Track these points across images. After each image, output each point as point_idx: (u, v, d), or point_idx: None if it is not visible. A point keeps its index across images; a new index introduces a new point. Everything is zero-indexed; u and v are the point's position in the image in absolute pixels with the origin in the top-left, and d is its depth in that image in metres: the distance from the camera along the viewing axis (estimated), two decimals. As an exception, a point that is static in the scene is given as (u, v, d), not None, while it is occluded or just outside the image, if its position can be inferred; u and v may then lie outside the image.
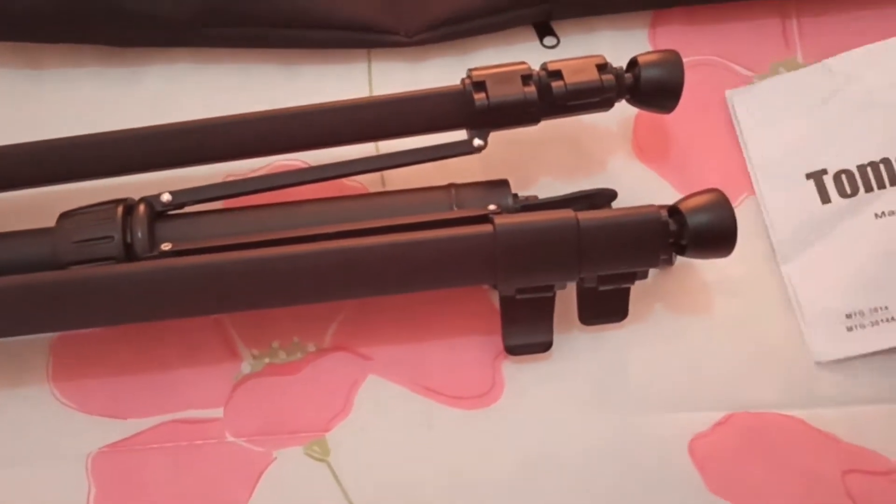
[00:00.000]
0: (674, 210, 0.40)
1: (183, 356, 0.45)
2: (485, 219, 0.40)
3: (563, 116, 0.44)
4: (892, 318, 0.44)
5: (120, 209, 0.41)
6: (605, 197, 0.45)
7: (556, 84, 0.42)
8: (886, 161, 0.47)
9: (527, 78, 0.42)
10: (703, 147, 0.49)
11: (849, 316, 0.45)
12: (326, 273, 0.39)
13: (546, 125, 0.50)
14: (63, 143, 0.43)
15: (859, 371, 0.44)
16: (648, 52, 0.44)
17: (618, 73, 0.43)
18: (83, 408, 0.44)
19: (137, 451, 0.43)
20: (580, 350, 0.45)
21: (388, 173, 0.49)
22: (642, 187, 0.48)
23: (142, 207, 0.42)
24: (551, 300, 0.42)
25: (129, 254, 0.41)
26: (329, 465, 0.42)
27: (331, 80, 0.52)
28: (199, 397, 0.44)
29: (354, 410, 0.43)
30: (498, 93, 0.42)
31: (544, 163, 0.50)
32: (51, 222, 0.42)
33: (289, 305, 0.41)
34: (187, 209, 0.43)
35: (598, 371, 0.44)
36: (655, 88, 0.43)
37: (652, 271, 0.46)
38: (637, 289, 0.46)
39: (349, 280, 0.39)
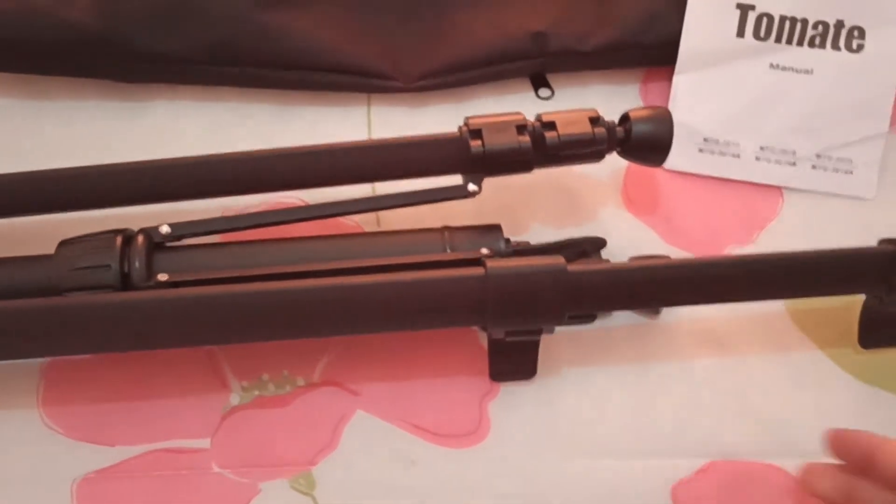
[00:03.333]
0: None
1: (173, 385, 0.45)
2: (477, 262, 0.41)
3: (556, 166, 0.45)
4: (737, 155, 0.50)
5: (119, 239, 0.42)
6: (594, 244, 0.46)
7: (549, 134, 0.44)
8: (804, 21, 0.50)
9: (521, 128, 0.44)
10: (690, 200, 0.51)
11: (706, 140, 0.51)
12: (320, 309, 0.40)
13: (539, 173, 0.51)
14: (65, 174, 0.44)
15: (842, 424, 0.45)
16: (640, 108, 0.46)
17: (609, 127, 0.45)
18: (70, 433, 0.44)
19: (123, 479, 0.43)
20: (567, 392, 0.46)
21: (383, 214, 0.50)
22: (630, 237, 0.50)
23: (140, 238, 0.43)
24: (537, 342, 0.43)
25: (125, 283, 0.41)
26: (314, 499, 0.43)
27: (330, 121, 0.53)
28: (187, 427, 0.44)
29: (341, 445, 0.44)
30: (493, 141, 0.43)
31: (536, 209, 0.51)
32: (51, 251, 0.42)
33: (281, 339, 0.42)
34: (185, 242, 0.44)
35: (585, 414, 0.45)
36: (645, 143, 0.45)
37: (639, 320, 0.48)
38: (627, 335, 0.47)
39: (342, 316, 0.40)
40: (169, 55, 0.51)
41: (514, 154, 0.43)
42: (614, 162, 0.49)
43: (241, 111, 0.53)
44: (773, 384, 0.46)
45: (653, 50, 0.52)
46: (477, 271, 0.40)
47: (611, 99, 0.53)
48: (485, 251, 0.43)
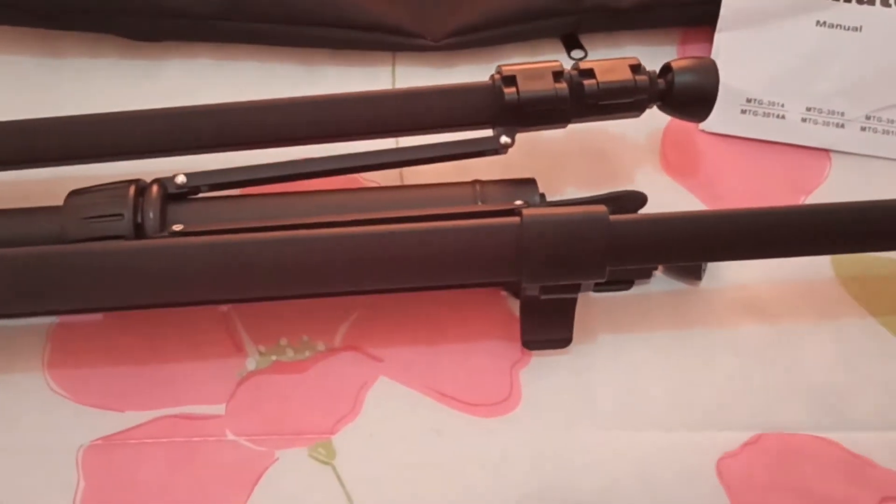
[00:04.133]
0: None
1: (186, 350, 0.42)
2: (512, 213, 0.38)
3: (594, 119, 0.43)
4: (782, 116, 0.48)
5: (132, 189, 0.40)
6: (634, 200, 0.43)
7: (588, 82, 0.41)
8: None
9: (558, 74, 0.41)
10: (732, 163, 0.48)
11: (749, 101, 0.48)
12: (343, 260, 0.37)
13: (573, 136, 0.49)
14: (78, 121, 0.42)
15: None
16: (683, 58, 0.43)
17: (651, 76, 0.42)
18: (78, 398, 0.41)
19: (132, 446, 0.40)
20: (603, 361, 0.43)
21: (406, 173, 0.47)
22: (669, 200, 0.47)
23: (155, 188, 0.40)
24: (574, 301, 0.40)
25: (139, 233, 0.39)
26: (334, 469, 0.40)
27: (354, 81, 0.51)
28: (201, 393, 0.41)
29: (363, 413, 0.41)
30: (529, 87, 0.41)
31: (570, 173, 0.48)
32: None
33: (302, 294, 0.39)
34: (202, 195, 0.42)
35: (622, 384, 0.42)
36: (689, 95, 0.42)
37: (678, 286, 0.45)
38: (666, 302, 0.44)
39: (366, 269, 0.37)
40: (184, 11, 0.49)
41: (550, 102, 0.41)
42: (652, 122, 0.47)
43: (261, 70, 0.51)
44: (823, 354, 0.43)
45: (692, 7, 0.50)
46: (513, 220, 0.37)
47: (647, 61, 0.50)
48: (519, 203, 0.40)
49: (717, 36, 0.49)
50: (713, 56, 0.49)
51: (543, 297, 0.39)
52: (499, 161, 0.45)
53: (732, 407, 0.42)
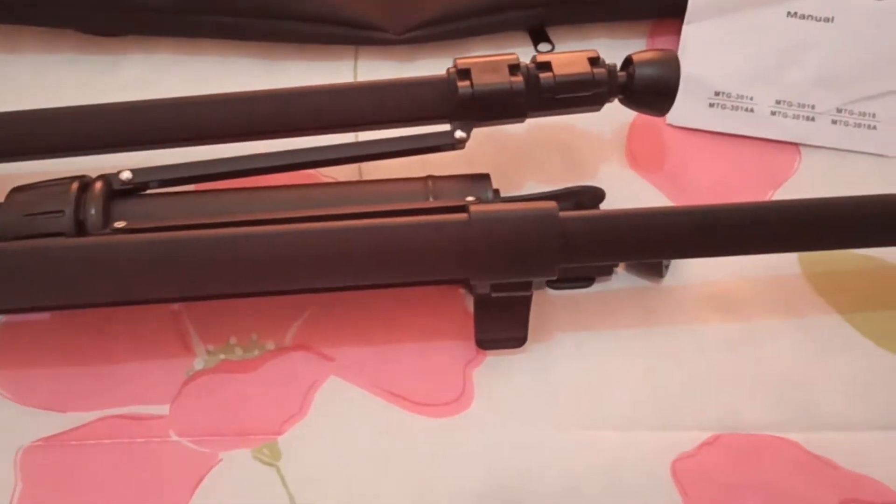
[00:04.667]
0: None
1: (132, 349, 0.41)
2: (462, 209, 0.37)
3: (553, 113, 0.42)
4: (751, 109, 0.46)
5: (75, 185, 0.39)
6: (592, 196, 0.42)
7: (544, 75, 0.40)
8: None
9: (514, 68, 0.40)
10: (699, 158, 0.47)
11: (717, 94, 0.47)
12: (289, 258, 0.36)
13: (538, 130, 0.48)
14: (29, 116, 0.41)
15: (861, 395, 0.41)
16: (644, 50, 0.42)
17: (611, 70, 0.41)
18: (19, 399, 0.40)
19: (73, 447, 0.39)
20: (561, 360, 0.42)
21: (365, 169, 0.46)
22: (634, 196, 0.46)
23: (98, 184, 0.39)
24: (528, 299, 0.39)
25: (80, 231, 0.38)
26: (278, 470, 0.39)
27: (316, 76, 0.50)
28: (146, 392, 0.40)
29: (311, 413, 0.40)
30: (483, 81, 0.40)
31: (533, 168, 0.47)
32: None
33: (248, 292, 0.38)
34: (151, 192, 0.41)
35: (580, 383, 0.41)
36: (650, 88, 0.41)
37: (640, 283, 0.44)
38: (628, 299, 0.43)
39: (312, 266, 0.36)
40: (143, 4, 0.48)
41: (505, 96, 0.40)
42: (618, 117, 0.46)
43: (222, 65, 0.50)
44: (788, 351, 0.42)
45: (662, -1, 0.49)
46: (460, 217, 0.36)
47: (615, 55, 0.49)
48: (471, 199, 0.39)
49: (684, 27, 0.48)
50: (681, 48, 0.48)
51: (494, 294, 0.38)
52: (462, 155, 0.44)
53: (694, 406, 0.41)
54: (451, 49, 0.50)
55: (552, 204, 0.36)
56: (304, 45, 0.50)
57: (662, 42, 0.50)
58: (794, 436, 0.40)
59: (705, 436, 0.40)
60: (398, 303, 0.42)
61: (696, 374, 0.41)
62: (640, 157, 0.47)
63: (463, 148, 0.42)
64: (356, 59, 0.50)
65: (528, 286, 0.38)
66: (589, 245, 0.37)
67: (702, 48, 0.47)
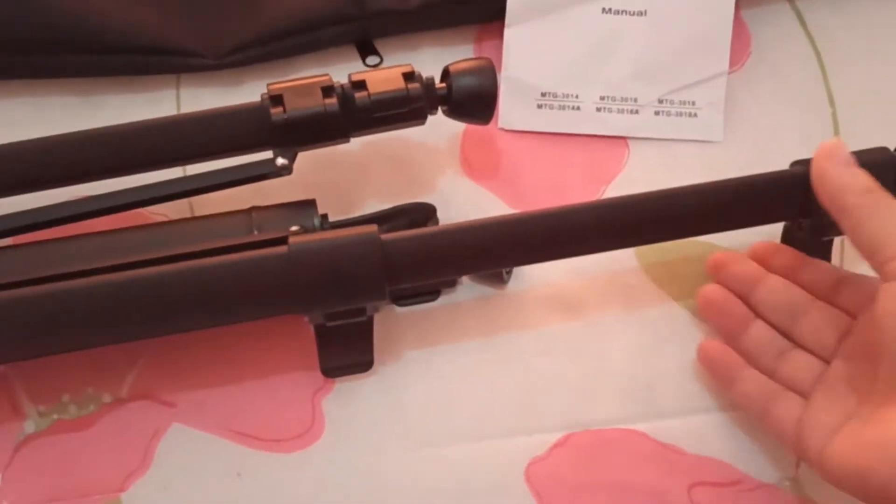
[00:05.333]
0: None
1: (-44, 419, 0.39)
2: (282, 241, 0.36)
3: (375, 131, 0.41)
4: (577, 108, 0.47)
5: None
6: (422, 212, 0.42)
7: (359, 95, 0.40)
8: None
9: (328, 90, 0.40)
10: (532, 160, 0.47)
11: (543, 94, 0.47)
12: (108, 310, 0.34)
13: (370, 145, 0.47)
14: None
15: (701, 379, 0.42)
16: (461, 61, 0.42)
17: (427, 83, 0.41)
18: None
19: None
20: (411, 378, 0.41)
21: (197, 203, 0.45)
22: (472, 204, 0.46)
23: None
24: (369, 323, 0.39)
25: None
26: (123, 530, 0.37)
27: (137, 109, 0.48)
28: (-26, 465, 0.38)
29: (155, 465, 0.39)
30: (296, 106, 0.39)
31: (370, 185, 0.47)
32: None
33: (52, 352, 0.36)
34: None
35: (431, 399, 0.41)
36: (469, 98, 0.41)
37: (486, 292, 0.44)
38: (474, 309, 0.44)
39: (132, 316, 0.35)
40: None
41: (320, 119, 0.39)
42: (450, 125, 0.46)
43: (37, 106, 0.48)
44: (631, 344, 0.43)
45: (483, 3, 0.49)
46: (279, 250, 0.35)
47: (444, 62, 0.49)
48: (295, 229, 0.38)
49: (506, 31, 0.48)
50: (504, 52, 0.48)
51: (330, 324, 0.38)
52: (298, 178, 0.43)
53: (543, 408, 0.41)
54: (279, 69, 0.49)
55: (372, 228, 0.36)
56: (124, 78, 0.48)
57: (489, 46, 0.50)
58: (641, 426, 0.41)
59: (555, 437, 0.41)
60: (239, 337, 0.41)
61: (542, 377, 0.42)
62: (475, 164, 0.47)
63: (290, 174, 0.41)
64: (178, 87, 0.48)
65: (362, 311, 0.37)
66: (414, 265, 0.36)
67: (524, 50, 0.48)
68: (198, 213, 0.45)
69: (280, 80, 0.48)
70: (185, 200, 0.45)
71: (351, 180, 0.47)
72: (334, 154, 0.46)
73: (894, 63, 0.49)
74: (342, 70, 0.49)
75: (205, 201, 0.45)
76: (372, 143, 0.46)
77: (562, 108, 0.48)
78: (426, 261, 0.37)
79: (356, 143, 0.43)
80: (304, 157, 0.42)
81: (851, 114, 0.48)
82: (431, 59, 0.49)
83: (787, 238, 0.43)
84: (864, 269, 0.44)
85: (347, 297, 0.36)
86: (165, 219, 0.44)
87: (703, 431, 0.41)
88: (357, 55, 0.50)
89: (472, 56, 0.50)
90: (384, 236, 0.36)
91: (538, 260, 0.38)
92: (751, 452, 0.41)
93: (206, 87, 0.48)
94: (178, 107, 0.48)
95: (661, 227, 0.39)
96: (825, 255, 0.43)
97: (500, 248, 0.37)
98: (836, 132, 0.48)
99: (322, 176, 0.46)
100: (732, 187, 0.39)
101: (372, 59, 0.50)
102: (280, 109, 0.39)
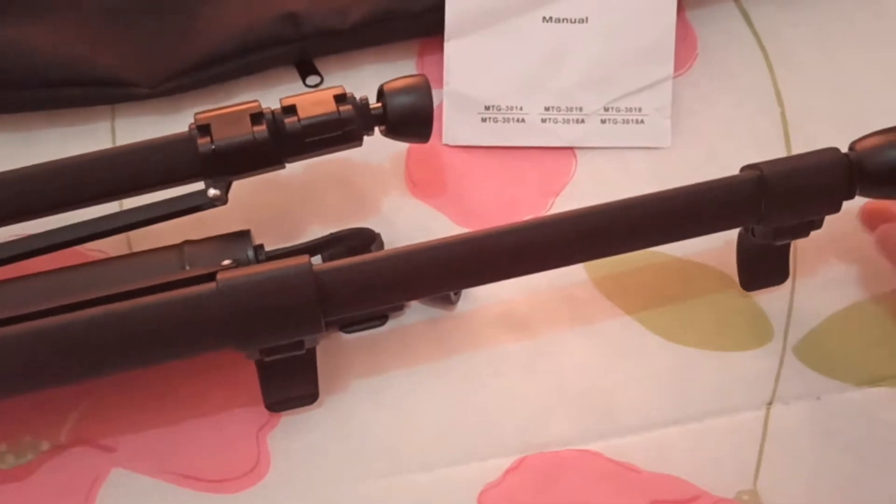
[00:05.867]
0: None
1: None
2: (211, 277, 0.35)
3: (310, 156, 0.40)
4: (522, 119, 0.46)
5: None
6: (363, 239, 0.41)
7: (289, 120, 0.39)
8: None
9: (257, 117, 0.39)
10: (479, 175, 0.46)
11: (487, 108, 0.46)
12: (24, 358, 0.33)
13: (313, 169, 0.46)
14: None
15: (656, 392, 0.41)
16: (395, 79, 0.41)
17: (360, 104, 0.40)
18: None
19: None
20: (353, 408, 0.40)
21: (136, 237, 0.44)
22: (419, 224, 0.45)
23: None
24: (311, 354, 0.38)
25: None
26: (63, 582, 0.36)
27: (73, 142, 0.47)
28: None
29: (96, 513, 0.38)
30: (224, 135, 0.38)
31: (313, 209, 0.46)
32: None
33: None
34: None
35: (381, 428, 0.40)
36: (404, 117, 0.40)
37: (436, 313, 0.43)
38: (424, 332, 0.43)
39: (55, 362, 0.34)
40: None
41: (250, 148, 0.38)
42: (395, 145, 0.45)
43: (-29, 145, 0.47)
44: (583, 360, 0.42)
45: (423, 17, 0.48)
46: (208, 287, 0.34)
47: (386, 77, 0.48)
48: (227, 263, 0.37)
49: (446, 45, 0.47)
50: (445, 66, 0.47)
51: (268, 359, 0.36)
52: (240, 206, 0.42)
53: (497, 432, 0.40)
54: (218, 93, 0.48)
55: (304, 259, 0.35)
56: (60, 111, 0.47)
57: (432, 60, 0.49)
58: (595, 446, 0.40)
59: (510, 461, 0.40)
60: (179, 375, 0.40)
61: (495, 399, 0.41)
62: (421, 182, 0.46)
63: (224, 203, 0.40)
64: (113, 118, 0.47)
65: (300, 345, 0.36)
66: (350, 295, 0.35)
67: (466, 64, 0.47)
68: (136, 248, 0.44)
69: (219, 104, 0.47)
70: (123, 235, 0.44)
71: (294, 205, 0.46)
72: (276, 178, 0.45)
73: (841, 60, 0.49)
74: (282, 91, 0.48)
75: (144, 235, 0.43)
76: (314, 165, 0.45)
77: (506, 120, 0.47)
78: (363, 290, 0.35)
79: (298, 165, 0.42)
80: (244, 184, 0.41)
81: (800, 113, 0.48)
82: (373, 76, 0.48)
83: (742, 243, 0.42)
84: (818, 275, 0.43)
85: (280, 331, 0.35)
86: (103, 255, 0.43)
87: (659, 448, 0.40)
88: (297, 76, 0.49)
89: (414, 71, 0.49)
90: (317, 267, 0.35)
91: (480, 283, 0.37)
92: (708, 467, 0.40)
93: (143, 116, 0.47)
94: (114, 138, 0.47)
95: (612, 241, 0.38)
96: (783, 259, 0.42)
97: (437, 274, 0.36)
98: (786, 132, 0.47)
99: (264, 201, 0.45)
100: (683, 196, 0.38)
101: (312, 79, 0.49)
102: (207, 139, 0.38)
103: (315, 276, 0.34)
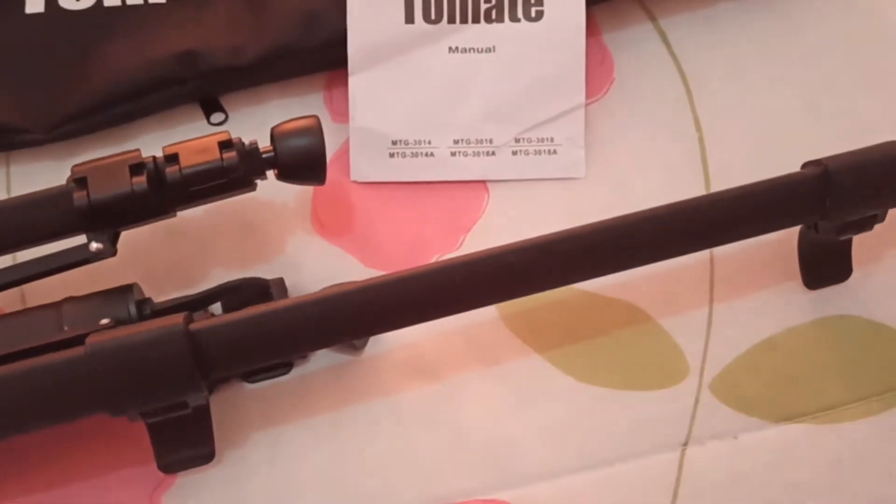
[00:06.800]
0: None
1: None
2: (82, 340, 0.33)
3: (199, 203, 0.39)
4: (431, 154, 0.45)
5: None
6: (257, 289, 0.40)
7: (170, 170, 0.37)
8: None
9: (137, 167, 0.37)
10: (387, 214, 0.45)
11: (394, 142, 0.45)
12: None
13: (215, 211, 0.45)
14: None
15: (565, 437, 0.40)
16: (286, 122, 0.40)
17: (249, 150, 0.38)
18: None
19: None
20: (257, 462, 0.39)
21: (29, 290, 0.42)
22: (325, 265, 0.44)
23: None
24: (202, 410, 0.36)
25: None
26: None
27: (-33, 191, 0.45)
28: None
29: (-23, 587, 0.36)
30: (100, 189, 0.36)
31: (216, 253, 0.44)
32: None
33: None
34: None
35: (278, 484, 0.39)
36: (296, 160, 0.39)
37: (333, 359, 0.42)
38: (327, 380, 0.41)
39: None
40: None
41: (129, 200, 0.37)
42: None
43: None
44: (489, 405, 0.41)
45: (325, 52, 0.46)
46: (76, 352, 0.33)
47: (293, 113, 0.46)
48: (105, 322, 0.36)
49: (350, 80, 0.46)
50: (350, 101, 0.46)
51: (151, 421, 0.35)
52: (135, 252, 0.41)
53: (397, 485, 0.39)
54: (117, 135, 0.46)
55: (179, 318, 0.33)
56: (-45, 160, 0.46)
57: (339, 94, 0.48)
58: (503, 495, 0.39)
59: (412, 515, 0.38)
60: (68, 436, 0.39)
61: (395, 450, 0.40)
62: (328, 221, 0.45)
63: (113, 255, 0.38)
64: (8, 165, 0.46)
65: (183, 405, 0.35)
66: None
67: (371, 98, 0.45)
68: (30, 302, 0.42)
69: (120, 147, 0.46)
70: (16, 290, 0.42)
71: (194, 251, 0.44)
72: (175, 224, 0.43)
73: (760, 83, 0.48)
74: (187, 131, 0.47)
75: (37, 288, 0.42)
76: (215, 207, 0.43)
77: (415, 155, 0.45)
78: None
79: (198, 209, 0.40)
80: (141, 231, 0.39)
81: (718, 138, 0.46)
82: (280, 111, 0.47)
83: (804, 242, 0.42)
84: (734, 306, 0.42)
85: (154, 395, 0.33)
86: (-3, 309, 0.42)
87: (569, 495, 0.39)
88: (202, 114, 0.48)
89: (322, 105, 0.48)
90: (194, 325, 0.33)
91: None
92: (619, 513, 0.38)
93: (38, 162, 0.46)
94: (8, 186, 0.45)
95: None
96: (846, 255, 0.42)
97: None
98: (703, 157, 0.46)
99: (162, 248, 0.44)
100: (746, 194, 0.37)
101: (217, 117, 0.47)
102: (84, 193, 0.36)
103: (190, 336, 0.33)
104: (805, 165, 0.39)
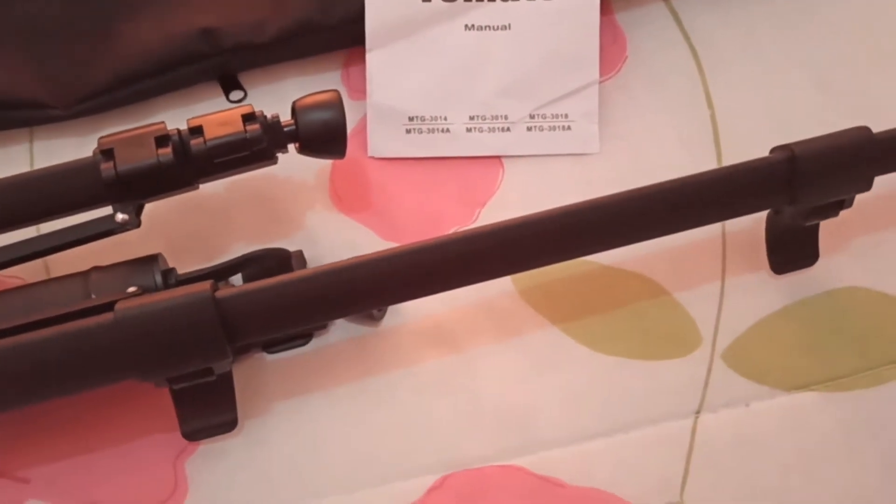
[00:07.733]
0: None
1: None
2: (111, 307, 0.34)
3: (222, 175, 0.40)
4: (447, 130, 0.45)
5: None
6: (278, 259, 0.40)
7: (195, 142, 0.38)
8: None
9: (162, 139, 0.38)
10: (404, 188, 0.46)
11: (411, 119, 0.46)
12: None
13: (235, 186, 0.45)
14: None
15: (581, 404, 0.41)
16: (307, 95, 0.40)
17: (271, 123, 0.39)
18: None
19: None
20: (274, 431, 0.40)
21: (54, 262, 0.43)
22: (343, 239, 0.45)
23: None
24: (227, 379, 0.37)
25: None
26: None
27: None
28: None
29: (8, 548, 0.37)
30: (127, 160, 0.37)
31: (237, 227, 0.45)
32: None
33: None
34: None
35: (301, 451, 0.40)
36: (317, 133, 0.40)
37: (360, 331, 0.42)
38: (347, 351, 0.42)
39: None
40: None
41: (155, 171, 0.37)
42: (319, 160, 0.44)
43: None
44: (506, 374, 0.41)
45: (343, 29, 0.47)
46: (105, 318, 0.33)
47: (311, 90, 0.47)
48: (132, 290, 0.36)
49: (367, 56, 0.46)
50: (368, 78, 0.46)
51: (177, 387, 0.36)
52: (159, 226, 0.42)
53: (417, 451, 0.40)
54: (138, 112, 0.47)
55: (206, 285, 0.34)
56: (-22, 135, 0.46)
57: (358, 71, 0.48)
58: (519, 461, 0.40)
59: (431, 480, 0.39)
60: (95, 402, 0.40)
61: (416, 417, 0.40)
62: (346, 197, 0.46)
63: (137, 227, 0.39)
64: (31, 141, 0.46)
65: (208, 372, 0.36)
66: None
67: (388, 75, 0.46)
68: (54, 272, 0.43)
69: (140, 122, 0.47)
70: (41, 261, 0.43)
71: (215, 224, 0.45)
72: (196, 198, 0.44)
73: (771, 60, 0.48)
74: (206, 107, 0.48)
75: (62, 259, 0.43)
76: (235, 182, 0.44)
77: (431, 131, 0.46)
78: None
79: (219, 183, 0.41)
80: (163, 204, 0.40)
81: (730, 115, 0.47)
82: (298, 89, 0.48)
83: (771, 226, 0.42)
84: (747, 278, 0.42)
85: (182, 361, 0.34)
86: (20, 281, 0.43)
87: (584, 461, 0.39)
88: (221, 91, 0.48)
89: (340, 82, 0.48)
90: (220, 293, 0.34)
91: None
92: (634, 480, 0.39)
93: (61, 139, 0.46)
94: (32, 161, 0.46)
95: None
96: (812, 240, 0.42)
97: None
98: (716, 134, 0.47)
99: (183, 221, 0.44)
100: (713, 179, 0.37)
101: (236, 94, 0.48)
102: (110, 164, 0.37)
103: (217, 303, 0.34)
104: (773, 150, 0.39)
